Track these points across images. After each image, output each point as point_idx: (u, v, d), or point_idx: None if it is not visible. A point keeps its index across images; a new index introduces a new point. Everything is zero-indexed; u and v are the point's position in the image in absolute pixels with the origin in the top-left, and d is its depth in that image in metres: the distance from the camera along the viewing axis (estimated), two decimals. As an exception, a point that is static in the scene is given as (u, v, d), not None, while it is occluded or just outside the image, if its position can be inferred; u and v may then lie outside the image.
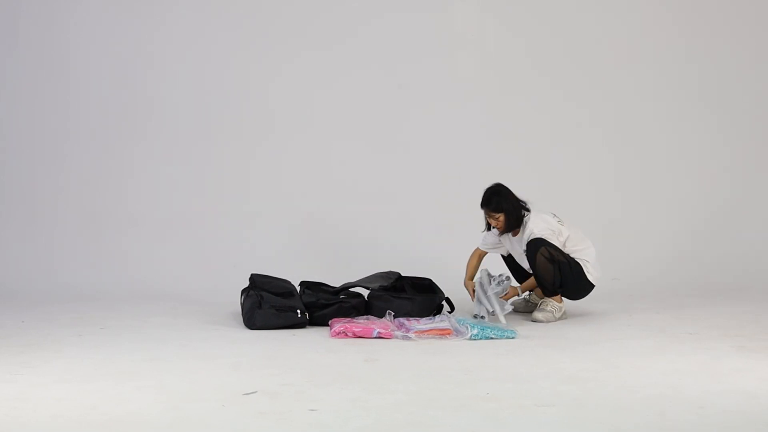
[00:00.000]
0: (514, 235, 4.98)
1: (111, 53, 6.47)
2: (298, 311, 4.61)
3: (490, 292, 4.72)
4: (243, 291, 4.90)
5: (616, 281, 5.83)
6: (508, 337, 4.34)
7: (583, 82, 6.66)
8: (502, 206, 4.88)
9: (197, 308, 5.16)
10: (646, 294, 5.72)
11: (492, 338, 4.32)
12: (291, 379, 3.55)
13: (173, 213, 6.31)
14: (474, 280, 4.96)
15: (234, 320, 4.81)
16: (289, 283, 4.96)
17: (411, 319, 4.55)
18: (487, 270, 4.92)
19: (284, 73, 6.53)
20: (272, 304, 4.60)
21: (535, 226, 4.85)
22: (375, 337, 4.32)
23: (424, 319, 4.56)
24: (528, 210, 4.94)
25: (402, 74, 6.55)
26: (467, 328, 4.33)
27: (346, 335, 4.34)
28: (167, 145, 6.46)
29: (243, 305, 4.76)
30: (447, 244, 5.86)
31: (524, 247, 4.90)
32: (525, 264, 5.00)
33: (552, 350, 4.13)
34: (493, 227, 4.99)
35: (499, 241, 5.09)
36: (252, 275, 4.94)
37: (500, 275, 4.84)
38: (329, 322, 4.54)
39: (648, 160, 6.65)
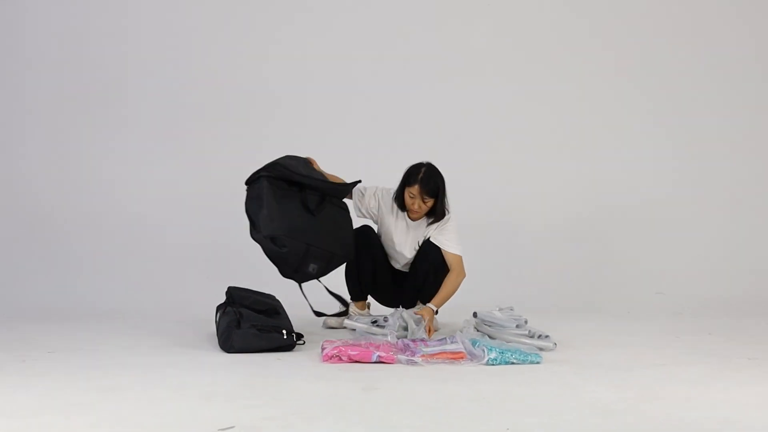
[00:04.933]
0: (413, 219, 5.13)
1: (71, 32, 6.51)
2: (284, 332, 4.61)
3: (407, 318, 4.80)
4: (218, 307, 4.89)
5: (660, 296, 5.90)
6: (532, 362, 4.35)
7: (616, 66, 6.71)
8: (439, 193, 5.01)
9: (163, 327, 5.14)
10: (696, 311, 5.71)
11: (513, 363, 4.33)
12: (275, 412, 3.52)
13: (134, 214, 6.33)
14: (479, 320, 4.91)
15: (208, 342, 4.80)
16: (273, 298, 4.97)
17: (417, 341, 4.57)
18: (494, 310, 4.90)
19: (278, 53, 6.56)
20: (253, 323, 4.58)
21: (455, 234, 5.05)
22: (375, 362, 4.33)
23: (432, 341, 4.57)
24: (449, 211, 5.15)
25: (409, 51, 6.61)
26: (484, 351, 4.34)
27: (341, 359, 4.34)
28: (128, 143, 6.49)
29: (218, 324, 4.75)
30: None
31: (419, 242, 5.11)
32: (404, 255, 5.17)
33: (584, 378, 4.11)
34: (409, 209, 5.06)
35: (384, 214, 5.15)
36: (229, 288, 4.94)
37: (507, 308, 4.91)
38: (321, 345, 4.53)
39: (698, 159, 6.76)
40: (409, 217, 5.17)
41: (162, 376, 4.12)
